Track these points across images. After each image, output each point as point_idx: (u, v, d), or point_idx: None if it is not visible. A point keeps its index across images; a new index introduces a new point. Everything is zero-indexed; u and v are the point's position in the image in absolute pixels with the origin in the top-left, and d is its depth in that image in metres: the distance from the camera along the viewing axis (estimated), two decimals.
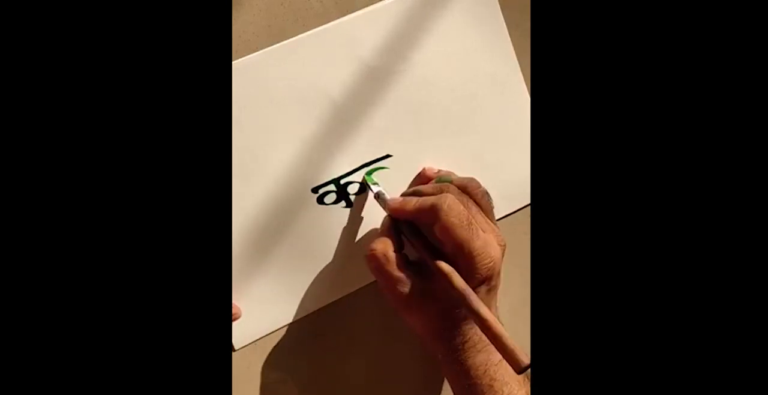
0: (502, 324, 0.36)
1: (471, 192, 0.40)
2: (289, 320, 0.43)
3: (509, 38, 0.43)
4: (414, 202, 0.38)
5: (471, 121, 0.43)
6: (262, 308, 0.42)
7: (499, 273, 0.39)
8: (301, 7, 0.39)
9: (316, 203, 0.41)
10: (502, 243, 0.39)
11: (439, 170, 0.42)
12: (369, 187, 0.41)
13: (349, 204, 0.42)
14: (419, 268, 0.39)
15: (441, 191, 0.38)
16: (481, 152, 0.44)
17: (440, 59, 0.42)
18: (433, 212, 0.37)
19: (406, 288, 0.38)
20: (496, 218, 0.45)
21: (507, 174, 0.45)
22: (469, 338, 0.39)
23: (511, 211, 0.46)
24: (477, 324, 0.36)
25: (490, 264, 0.38)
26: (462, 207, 0.37)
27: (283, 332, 0.43)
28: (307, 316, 0.43)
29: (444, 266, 0.37)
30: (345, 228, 0.42)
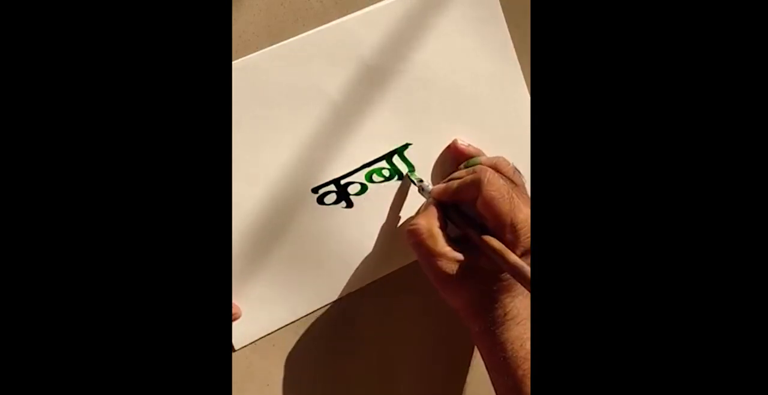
0: None
1: (502, 170, 0.40)
2: (289, 320, 0.43)
3: (509, 38, 0.43)
4: (456, 181, 0.40)
5: (471, 121, 0.44)
6: (262, 308, 0.42)
7: None
8: (301, 7, 0.39)
9: (316, 204, 0.41)
10: None
11: (469, 145, 0.43)
12: (413, 181, 0.42)
13: (349, 204, 0.42)
14: (460, 245, 0.39)
15: (477, 171, 0.39)
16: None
17: (440, 59, 0.42)
18: (474, 186, 0.38)
19: (449, 265, 0.39)
20: None
21: None
22: (509, 311, 0.39)
23: None
24: (524, 285, 0.36)
25: None
26: (502, 181, 0.38)
27: (283, 332, 0.43)
28: (306, 316, 0.43)
29: (495, 242, 0.38)
30: (345, 228, 0.42)
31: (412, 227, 0.39)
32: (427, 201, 0.42)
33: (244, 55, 0.38)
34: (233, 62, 0.38)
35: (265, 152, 0.40)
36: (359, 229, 0.43)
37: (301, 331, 0.43)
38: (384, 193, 0.43)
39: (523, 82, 0.44)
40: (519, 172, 0.41)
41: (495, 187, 0.38)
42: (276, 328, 0.43)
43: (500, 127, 0.44)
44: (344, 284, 0.43)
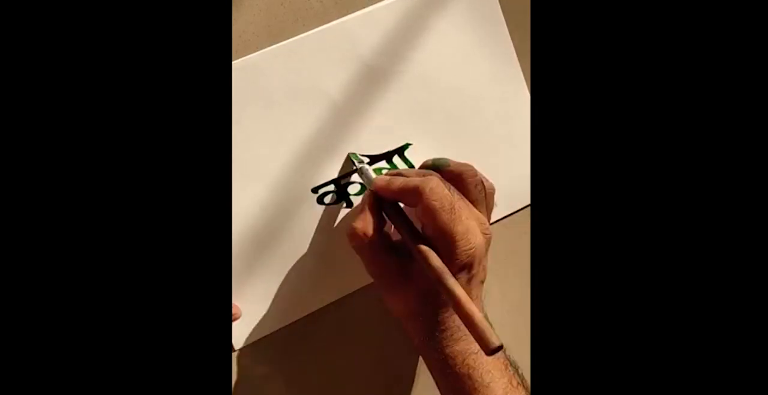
0: (485, 314, 0.35)
1: (464, 179, 0.39)
2: (289, 320, 0.43)
3: (509, 38, 0.43)
4: (399, 182, 0.38)
5: (471, 121, 0.44)
6: (262, 308, 0.42)
7: (481, 263, 0.38)
8: (301, 7, 0.39)
9: (316, 203, 0.41)
10: (487, 232, 0.38)
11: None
12: (353, 163, 0.41)
13: (349, 204, 0.42)
14: (401, 249, 0.39)
15: (424, 176, 0.38)
16: (481, 152, 0.44)
17: (440, 59, 0.42)
18: (416, 193, 0.37)
19: (384, 268, 0.39)
20: (498, 218, 0.45)
21: (507, 174, 0.45)
22: (448, 326, 0.38)
23: (511, 211, 0.46)
24: (451, 304, 0.35)
25: (471, 251, 0.37)
26: (446, 191, 0.37)
27: (283, 332, 0.43)
28: (307, 316, 0.43)
29: (422, 246, 0.37)
30: (345, 229, 0.42)
31: (349, 231, 0.38)
32: (365, 192, 0.40)
33: (244, 55, 0.38)
34: (233, 62, 0.38)
35: (264, 151, 0.40)
36: None
37: (301, 331, 0.43)
38: None
39: (523, 82, 0.44)
40: (485, 184, 0.40)
41: (437, 196, 0.36)
42: (276, 328, 0.43)
43: (500, 127, 0.44)
44: (344, 284, 0.43)
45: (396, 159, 0.42)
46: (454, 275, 0.36)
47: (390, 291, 0.40)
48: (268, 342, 0.43)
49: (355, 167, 0.41)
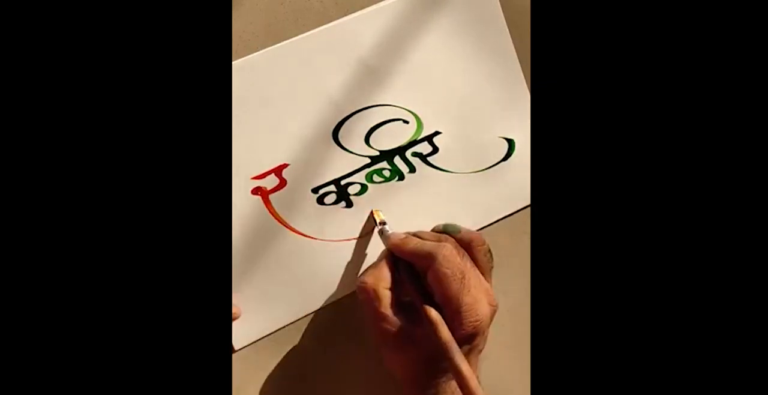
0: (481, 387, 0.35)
1: (474, 247, 0.39)
2: (289, 320, 0.43)
3: (509, 38, 0.43)
4: (413, 244, 0.38)
5: (471, 121, 0.44)
6: (262, 308, 0.42)
7: (484, 334, 0.38)
8: (301, 7, 0.39)
9: (316, 204, 0.41)
10: (494, 303, 0.39)
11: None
12: (375, 221, 0.42)
13: (349, 205, 0.42)
14: (409, 310, 0.38)
15: (440, 240, 0.38)
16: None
17: (440, 59, 0.42)
18: (428, 258, 0.37)
19: (391, 327, 0.38)
20: (496, 219, 0.45)
21: (507, 174, 0.45)
22: (444, 391, 0.38)
23: (511, 211, 0.46)
24: (455, 379, 0.35)
25: (476, 323, 0.37)
26: (458, 259, 0.37)
27: (283, 332, 0.43)
28: (307, 316, 0.43)
29: (433, 313, 0.37)
30: (345, 228, 0.42)
31: (359, 285, 0.39)
32: (383, 252, 0.41)
33: (244, 55, 0.38)
34: (233, 62, 0.38)
35: (265, 152, 0.40)
36: (359, 229, 0.43)
37: (301, 331, 0.43)
38: (384, 193, 0.43)
39: (524, 82, 0.44)
40: (491, 254, 0.40)
41: (449, 264, 0.36)
42: (276, 328, 0.43)
43: (500, 127, 0.44)
44: (344, 284, 0.43)
45: (397, 159, 0.42)
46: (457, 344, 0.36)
47: (391, 351, 0.39)
48: (268, 342, 0.43)
49: (376, 225, 0.41)
